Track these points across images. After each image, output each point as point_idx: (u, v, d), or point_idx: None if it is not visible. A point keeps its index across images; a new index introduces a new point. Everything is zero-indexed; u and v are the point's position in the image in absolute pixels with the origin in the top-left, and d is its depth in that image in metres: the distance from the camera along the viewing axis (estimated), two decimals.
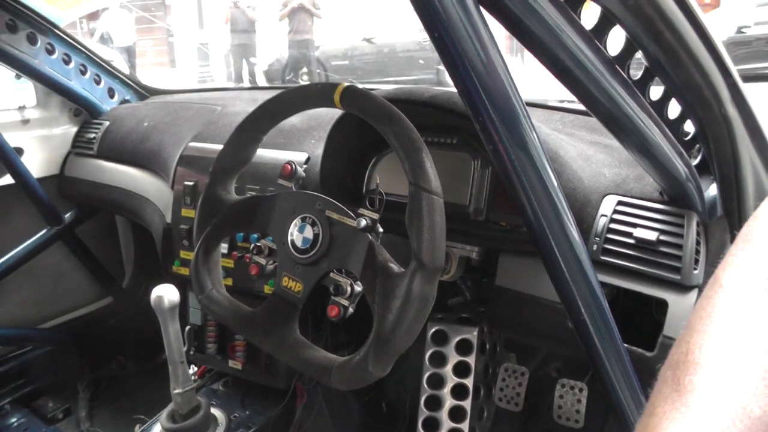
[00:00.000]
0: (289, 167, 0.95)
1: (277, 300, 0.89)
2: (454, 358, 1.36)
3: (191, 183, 1.46)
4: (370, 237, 0.82)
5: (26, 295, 1.99)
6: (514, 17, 0.64)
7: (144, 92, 2.14)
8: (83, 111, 2.02)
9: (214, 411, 1.42)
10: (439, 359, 1.38)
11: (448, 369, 1.37)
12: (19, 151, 1.83)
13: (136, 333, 2.16)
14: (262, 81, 10.66)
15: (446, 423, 1.37)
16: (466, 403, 1.36)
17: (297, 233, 0.88)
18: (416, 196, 0.77)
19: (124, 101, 2.08)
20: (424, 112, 1.00)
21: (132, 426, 1.58)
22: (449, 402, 1.37)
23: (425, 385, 1.38)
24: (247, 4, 10.03)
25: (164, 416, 1.35)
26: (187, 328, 1.48)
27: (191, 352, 1.49)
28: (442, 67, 10.60)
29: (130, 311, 2.23)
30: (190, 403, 1.35)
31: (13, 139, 1.79)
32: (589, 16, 0.72)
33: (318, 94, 0.89)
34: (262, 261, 0.95)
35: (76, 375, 2.08)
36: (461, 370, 1.36)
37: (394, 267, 0.79)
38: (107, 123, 1.92)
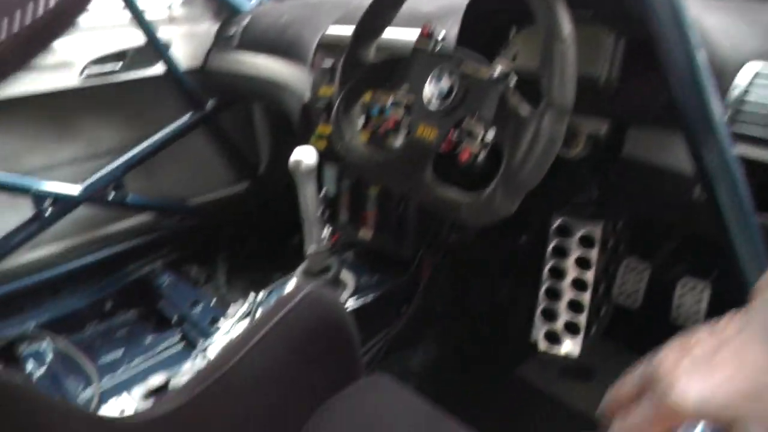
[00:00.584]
0: (427, 29, 1.01)
1: (413, 147, 0.96)
2: (576, 251, 1.40)
3: (330, 63, 1.54)
4: (503, 85, 0.88)
5: (173, 174, 2.20)
6: None
7: None
8: (225, 9, 2.14)
9: (343, 274, 1.54)
10: (562, 252, 1.41)
11: (570, 262, 1.41)
12: (167, 44, 1.99)
13: (271, 215, 2.34)
14: None
15: (563, 314, 1.42)
16: (584, 297, 1.40)
17: (433, 86, 0.95)
18: (548, 43, 0.81)
19: (260, 3, 2.19)
20: None
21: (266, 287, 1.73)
22: (568, 294, 1.41)
23: (546, 276, 1.43)
24: None
25: (298, 272, 1.49)
26: (322, 193, 1.59)
27: (326, 218, 1.60)
28: None
29: (266, 195, 2.40)
30: (322, 263, 1.48)
31: (162, 34, 1.96)
32: None
33: None
34: (399, 114, 1.02)
35: (217, 247, 2.30)
36: (582, 264, 1.39)
37: (525, 109, 0.84)
38: (247, 19, 2.04)
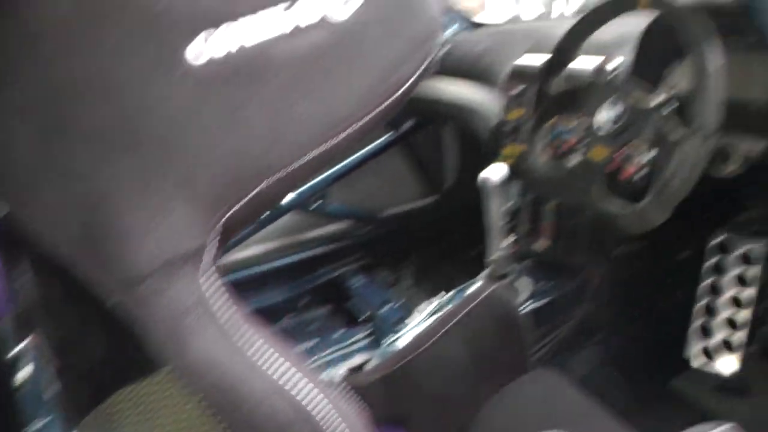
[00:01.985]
0: (602, 63, 1.20)
1: (586, 165, 1.15)
2: (736, 268, 1.47)
3: (520, 88, 1.74)
4: (662, 111, 1.05)
5: (369, 187, 2.45)
6: None
7: (475, 24, 2.47)
8: None
9: (521, 280, 1.74)
10: (720, 269, 1.49)
11: (729, 279, 1.47)
12: None
13: (455, 227, 2.55)
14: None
15: (720, 331, 1.49)
16: (743, 314, 1.46)
17: (605, 113, 1.14)
18: (700, 76, 0.98)
19: (458, 32, 2.39)
20: (724, 14, 1.14)
21: (451, 290, 1.94)
22: (726, 311, 1.48)
23: (702, 293, 1.52)
24: None
25: (481, 277, 1.70)
26: (505, 207, 1.79)
27: (508, 229, 1.80)
28: None
29: (450, 209, 2.62)
30: (503, 269, 1.68)
31: None
32: None
33: (625, 2, 1.12)
34: (576, 138, 1.22)
35: (406, 254, 2.55)
36: (742, 281, 1.46)
37: (678, 132, 1.01)
38: (447, 47, 2.28)
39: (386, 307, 2.13)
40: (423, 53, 0.54)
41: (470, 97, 2.03)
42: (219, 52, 0.45)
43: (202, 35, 0.45)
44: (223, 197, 0.46)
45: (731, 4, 1.23)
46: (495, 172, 1.55)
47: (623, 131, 1.11)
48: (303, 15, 0.47)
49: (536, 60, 1.75)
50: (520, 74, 1.78)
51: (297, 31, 0.47)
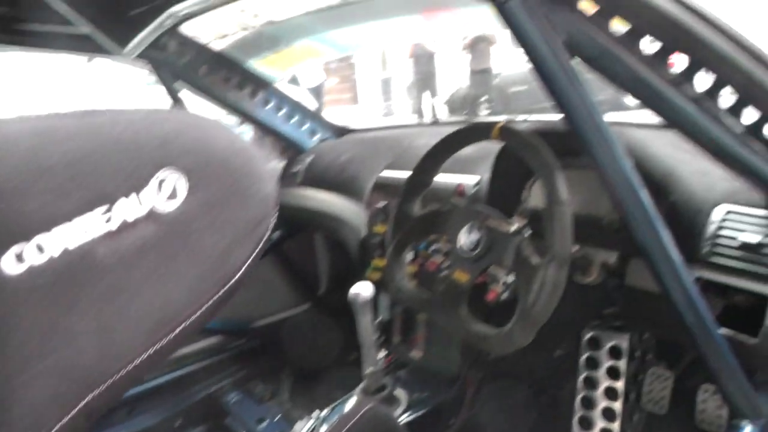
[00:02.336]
0: (461, 188, 1.26)
1: (450, 288, 1.18)
2: (606, 362, 1.52)
3: (383, 204, 1.79)
4: (518, 238, 1.10)
5: (243, 297, 2.40)
6: (615, 76, 0.90)
7: (340, 131, 2.54)
8: (291, 148, 2.44)
9: (397, 391, 1.73)
10: (593, 363, 1.54)
11: (601, 372, 1.53)
12: None
13: (330, 334, 2.54)
14: (444, 112, 11.10)
15: (599, 422, 1.53)
16: (617, 405, 1.51)
17: (465, 237, 1.17)
18: (549, 205, 1.04)
19: (323, 140, 2.47)
20: (564, 139, 1.23)
21: (327, 405, 1.91)
22: (602, 403, 1.53)
23: (580, 386, 1.56)
24: (429, 38, 10.47)
25: (357, 390, 1.68)
26: (377, 320, 1.80)
27: (380, 342, 1.80)
28: None
29: (325, 316, 2.61)
30: (378, 383, 1.66)
31: None
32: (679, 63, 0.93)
33: (481, 131, 1.19)
34: (440, 259, 1.25)
35: (280, 365, 2.50)
36: (613, 373, 1.52)
37: (535, 259, 1.06)
38: (310, 158, 2.32)
39: (263, 425, 2.07)
40: (257, 236, 0.53)
41: (337, 208, 2.07)
42: (38, 260, 0.42)
43: (13, 249, 0.42)
44: (40, 421, 0.42)
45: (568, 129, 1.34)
46: (365, 288, 1.56)
47: (483, 255, 1.16)
48: (126, 212, 0.45)
49: (397, 177, 1.82)
50: (382, 188, 1.84)
51: (123, 227, 0.45)
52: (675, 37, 0.89)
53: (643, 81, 0.90)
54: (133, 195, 0.46)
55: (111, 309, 0.45)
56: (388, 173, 1.89)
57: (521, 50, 0.85)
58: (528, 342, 1.06)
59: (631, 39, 0.89)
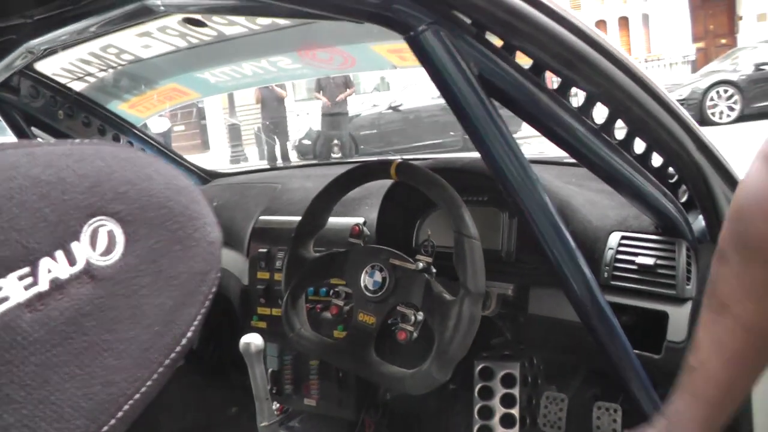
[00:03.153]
0: (358, 228, 1.22)
1: (356, 332, 1.13)
2: (500, 390, 1.52)
3: (264, 250, 1.73)
4: (426, 276, 1.08)
5: None
6: (522, 108, 0.91)
7: (206, 176, 2.43)
8: None
9: None
10: (487, 393, 1.53)
11: (496, 401, 1.52)
12: None
13: (208, 389, 2.40)
14: (293, 156, 11.10)
15: None
16: (515, 431, 1.50)
17: (368, 278, 1.14)
18: (460, 241, 1.02)
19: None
20: (459, 177, 1.26)
21: None
22: (499, 431, 1.51)
23: (476, 417, 1.54)
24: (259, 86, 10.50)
25: None
26: (269, 371, 1.72)
27: (272, 392, 1.72)
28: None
29: (201, 371, 2.47)
30: None
31: None
32: (577, 98, 0.98)
33: (378, 169, 1.16)
34: (340, 303, 1.20)
35: (156, 428, 2.31)
36: (508, 401, 1.52)
37: (447, 296, 1.04)
38: None
39: None
40: (204, 290, 0.46)
41: None
42: None
43: None
44: None
45: (464, 167, 1.36)
46: (254, 338, 1.48)
47: (389, 295, 1.12)
48: (54, 273, 0.37)
49: (277, 221, 1.77)
50: (261, 235, 1.77)
51: (52, 290, 0.37)
52: (574, 71, 0.91)
53: (549, 114, 0.92)
54: (60, 252, 0.38)
55: (40, 395, 0.37)
56: (265, 218, 1.83)
57: (435, 85, 0.84)
58: (447, 379, 1.03)
59: (536, 73, 0.91)
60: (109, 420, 0.40)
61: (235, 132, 13.30)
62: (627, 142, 1.04)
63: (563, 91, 0.95)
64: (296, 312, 1.24)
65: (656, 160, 1.11)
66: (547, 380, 1.65)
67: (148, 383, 0.42)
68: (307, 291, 1.55)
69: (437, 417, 1.87)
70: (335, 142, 10.14)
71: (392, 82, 15.47)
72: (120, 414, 0.41)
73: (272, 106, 10.72)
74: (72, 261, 0.38)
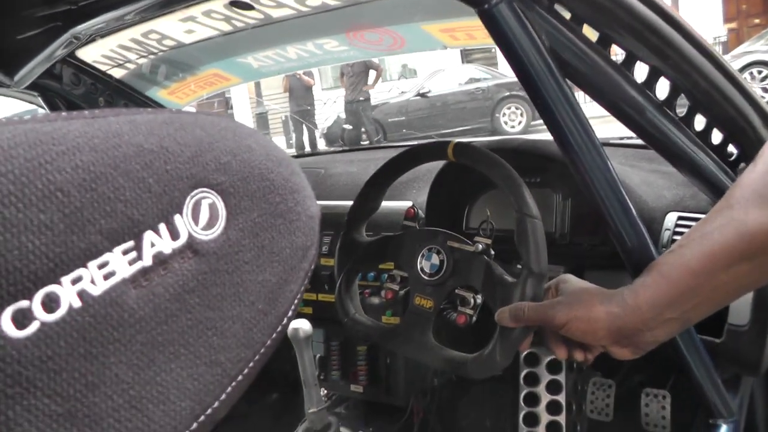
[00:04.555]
0: (413, 210, 1.20)
1: (414, 316, 1.11)
2: (546, 377, 1.52)
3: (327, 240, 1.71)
4: (486, 258, 1.05)
5: None
6: (590, 83, 0.88)
7: None
8: None
9: (342, 429, 1.64)
10: (533, 379, 1.53)
11: (542, 388, 1.52)
12: None
13: (265, 378, 2.40)
14: (321, 144, 11.12)
15: None
16: (561, 418, 1.51)
17: (425, 261, 1.11)
18: (522, 221, 0.99)
19: None
20: (513, 157, 1.22)
21: None
22: (545, 417, 1.52)
23: (522, 404, 1.54)
24: (304, 70, 10.51)
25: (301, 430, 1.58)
26: (316, 357, 1.71)
27: (320, 378, 1.71)
28: (496, 115, 10.99)
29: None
30: (323, 421, 1.57)
31: None
32: (640, 71, 0.94)
33: (435, 151, 1.14)
34: (395, 287, 1.18)
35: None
36: (554, 387, 1.51)
37: (509, 278, 1.01)
38: None
39: None
40: (305, 265, 0.44)
41: None
42: (48, 317, 0.32)
43: (12, 308, 0.31)
44: None
45: (518, 148, 1.33)
46: (303, 323, 1.47)
47: (448, 278, 1.10)
48: (159, 246, 0.35)
49: (324, 207, 1.75)
50: (321, 221, 1.75)
51: (157, 264, 0.35)
52: (643, 42, 0.88)
53: (616, 89, 0.89)
54: (163, 225, 0.36)
55: (147, 375, 0.36)
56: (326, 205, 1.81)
57: (508, 60, 0.82)
58: (509, 362, 1.01)
59: (603, 46, 0.88)
60: (213, 402, 0.38)
61: (262, 121, 13.36)
62: (688, 118, 1.01)
63: (628, 65, 0.92)
64: (350, 297, 1.22)
65: (716, 137, 1.08)
66: (594, 367, 1.63)
67: (251, 364, 0.41)
68: (370, 278, 1.54)
69: (484, 403, 1.86)
70: (363, 129, 10.14)
71: (419, 69, 15.43)
72: (224, 396, 0.39)
73: (300, 95, 10.75)
74: (175, 235, 0.36)
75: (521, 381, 1.54)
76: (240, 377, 0.40)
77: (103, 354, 0.34)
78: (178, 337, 0.37)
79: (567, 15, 0.86)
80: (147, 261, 0.35)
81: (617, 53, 0.93)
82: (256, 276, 0.40)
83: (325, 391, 1.68)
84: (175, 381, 0.37)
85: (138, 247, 0.35)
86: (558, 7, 0.84)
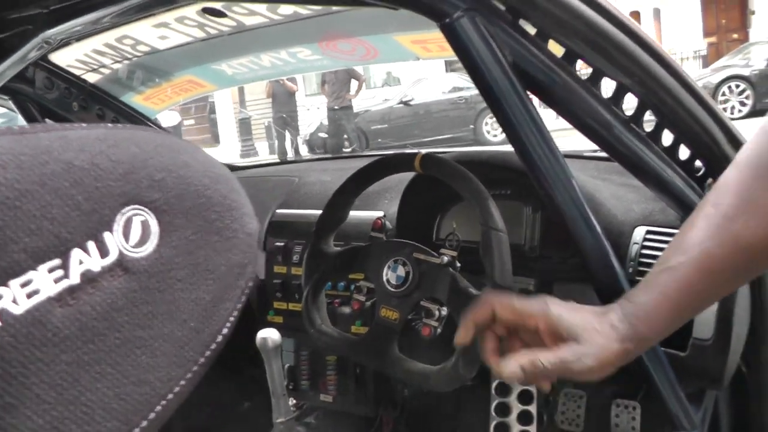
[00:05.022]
0: (380, 222, 1.20)
1: (379, 328, 1.11)
2: (517, 387, 1.52)
3: (281, 244, 1.71)
4: (451, 270, 1.05)
5: None
6: (554, 98, 0.88)
7: None
8: None
9: None
10: (504, 389, 1.53)
11: (513, 398, 1.52)
12: None
13: (222, 384, 2.38)
14: (304, 151, 11.10)
15: None
16: (532, 428, 1.51)
17: (391, 273, 1.11)
18: (487, 233, 1.00)
19: None
20: (482, 170, 1.22)
21: None
22: (516, 428, 1.51)
23: (493, 413, 1.54)
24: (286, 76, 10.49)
25: None
26: (285, 367, 1.70)
27: (289, 388, 1.70)
28: (476, 126, 11.03)
29: (215, 366, 2.45)
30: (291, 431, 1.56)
31: None
32: (607, 87, 0.95)
33: (402, 162, 1.14)
34: (362, 298, 1.18)
35: (169, 425, 2.29)
36: (525, 398, 1.51)
37: (473, 290, 1.01)
38: None
39: None
40: (242, 283, 0.43)
41: None
42: None
43: None
44: None
45: (488, 160, 1.33)
46: (272, 332, 1.46)
47: (414, 290, 1.10)
48: (87, 264, 0.35)
49: (295, 215, 1.75)
50: (279, 229, 1.76)
51: (84, 282, 0.35)
52: (609, 59, 0.89)
53: (582, 104, 0.89)
54: (92, 243, 0.36)
55: (70, 395, 0.35)
56: (283, 212, 1.81)
57: (469, 74, 0.82)
58: (473, 375, 1.01)
59: (569, 62, 0.88)
60: (141, 422, 0.38)
61: (245, 126, 13.33)
62: (655, 134, 1.02)
63: (595, 80, 0.93)
64: (317, 307, 1.22)
65: (683, 152, 1.08)
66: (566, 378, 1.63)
67: (182, 382, 0.40)
68: (333, 289, 1.53)
69: (455, 413, 1.85)
70: (345, 136, 10.14)
71: (402, 77, 15.46)
72: (152, 415, 0.38)
73: (283, 101, 10.74)
74: (104, 252, 0.36)
75: (492, 391, 1.54)
76: (170, 395, 0.39)
77: (23, 374, 0.33)
78: (105, 356, 0.36)
79: (532, 31, 0.87)
80: (74, 279, 0.35)
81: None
82: (190, 294, 0.40)
83: (294, 401, 1.67)
84: (100, 401, 0.36)
85: (65, 266, 0.34)
86: (523, 23, 0.85)
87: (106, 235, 0.36)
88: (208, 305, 0.41)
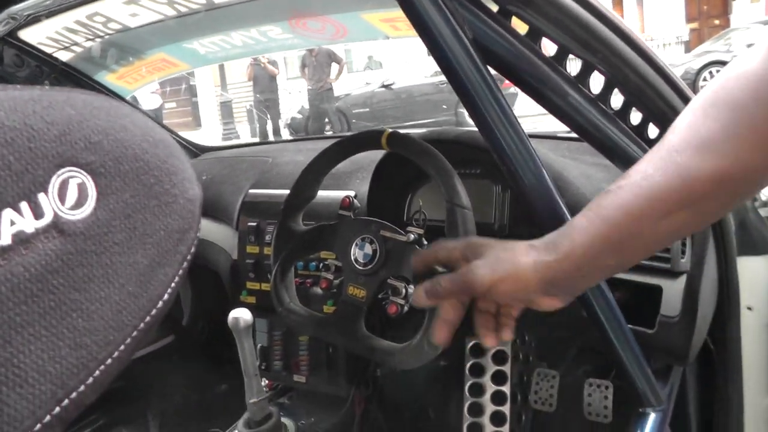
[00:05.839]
0: (348, 200, 1.19)
1: (346, 306, 1.11)
2: (491, 368, 1.53)
3: (254, 224, 1.71)
4: (418, 248, 1.05)
5: None
6: (517, 75, 0.88)
7: (196, 150, 2.40)
8: None
9: (283, 420, 1.63)
10: (478, 370, 1.54)
11: (487, 378, 1.53)
12: None
13: (197, 366, 2.39)
14: (285, 134, 11.06)
15: (488, 427, 1.52)
16: (505, 408, 1.51)
17: (358, 251, 1.11)
18: (452, 211, 1.00)
19: None
20: (452, 149, 1.23)
21: None
22: (490, 408, 1.52)
23: (467, 394, 1.54)
24: (267, 59, 10.44)
25: (240, 423, 1.57)
26: (258, 347, 1.70)
27: (261, 368, 1.71)
28: (461, 110, 11.02)
29: (191, 347, 2.45)
30: (264, 412, 1.56)
31: None
32: (574, 66, 0.95)
33: (368, 140, 1.14)
34: (330, 276, 1.18)
35: (145, 406, 2.30)
36: (499, 378, 1.52)
37: (440, 268, 1.02)
38: None
39: None
40: (182, 249, 0.43)
41: (205, 231, 1.95)
42: None
43: None
44: None
45: (457, 139, 1.33)
46: (244, 313, 1.46)
47: (380, 268, 1.10)
48: (19, 226, 0.35)
49: (267, 194, 1.74)
50: (251, 209, 1.75)
51: (17, 244, 0.35)
52: (573, 37, 0.89)
53: (546, 82, 0.90)
54: (25, 203, 0.36)
55: (3, 356, 0.35)
56: (255, 192, 1.80)
57: (429, 51, 0.82)
58: (438, 353, 1.01)
59: (532, 39, 0.88)
60: (78, 386, 0.38)
61: (226, 109, 13.25)
62: (623, 113, 1.02)
63: (560, 58, 0.93)
64: (285, 286, 1.22)
65: (652, 131, 1.09)
66: (539, 357, 1.65)
67: (121, 347, 0.40)
68: (296, 265, 1.53)
69: (428, 393, 1.87)
70: (326, 120, 10.12)
71: (384, 61, 15.42)
72: (90, 380, 0.38)
73: (264, 84, 10.68)
74: (38, 214, 0.36)
75: (466, 371, 1.54)
76: (109, 360, 0.39)
77: None
78: (40, 318, 0.36)
79: (495, 8, 0.87)
80: (5, 240, 0.34)
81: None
82: (127, 258, 0.39)
83: (267, 382, 1.67)
84: (34, 363, 0.36)
85: None
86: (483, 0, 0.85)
87: (41, 196, 0.36)
88: (146, 270, 0.41)
